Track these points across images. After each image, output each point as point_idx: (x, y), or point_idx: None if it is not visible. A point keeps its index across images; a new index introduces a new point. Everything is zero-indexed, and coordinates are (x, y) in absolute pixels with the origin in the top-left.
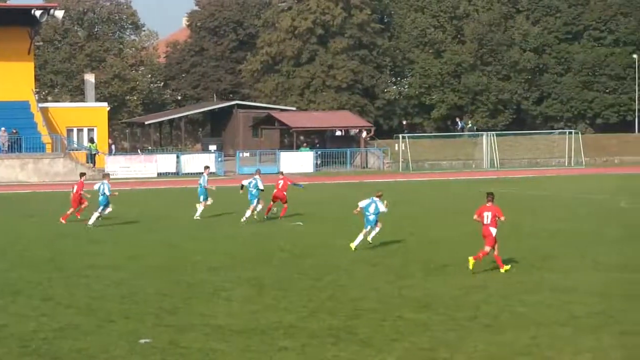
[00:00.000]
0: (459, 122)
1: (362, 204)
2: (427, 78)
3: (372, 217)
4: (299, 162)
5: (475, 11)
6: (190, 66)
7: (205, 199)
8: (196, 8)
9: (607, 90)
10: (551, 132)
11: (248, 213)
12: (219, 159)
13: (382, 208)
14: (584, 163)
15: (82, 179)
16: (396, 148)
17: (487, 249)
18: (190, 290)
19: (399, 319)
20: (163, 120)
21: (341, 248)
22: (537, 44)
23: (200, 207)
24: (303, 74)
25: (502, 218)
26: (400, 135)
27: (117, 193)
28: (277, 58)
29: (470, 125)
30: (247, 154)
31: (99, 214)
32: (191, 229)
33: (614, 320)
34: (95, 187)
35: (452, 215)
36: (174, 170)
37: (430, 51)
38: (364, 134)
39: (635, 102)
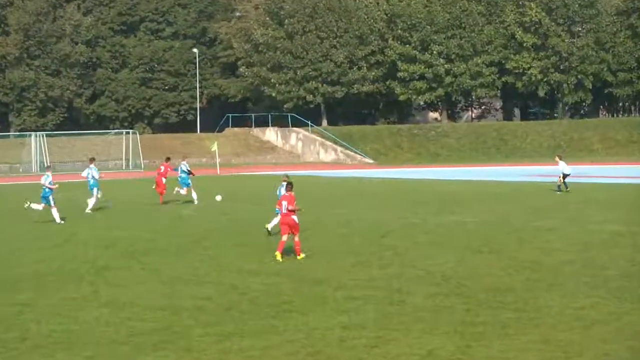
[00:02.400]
0: None
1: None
2: None
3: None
4: None
5: None
6: None
7: (96, 190)
8: None
9: (166, 88)
10: (107, 132)
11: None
12: None
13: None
14: (142, 165)
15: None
16: None
17: (296, 239)
18: None
19: None
20: None
21: None
22: (90, 36)
23: (91, 201)
24: None
25: (290, 207)
26: None
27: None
28: None
29: None
30: None
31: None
32: None
33: (179, 336)
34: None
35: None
36: None
37: None
38: None
39: (196, 100)
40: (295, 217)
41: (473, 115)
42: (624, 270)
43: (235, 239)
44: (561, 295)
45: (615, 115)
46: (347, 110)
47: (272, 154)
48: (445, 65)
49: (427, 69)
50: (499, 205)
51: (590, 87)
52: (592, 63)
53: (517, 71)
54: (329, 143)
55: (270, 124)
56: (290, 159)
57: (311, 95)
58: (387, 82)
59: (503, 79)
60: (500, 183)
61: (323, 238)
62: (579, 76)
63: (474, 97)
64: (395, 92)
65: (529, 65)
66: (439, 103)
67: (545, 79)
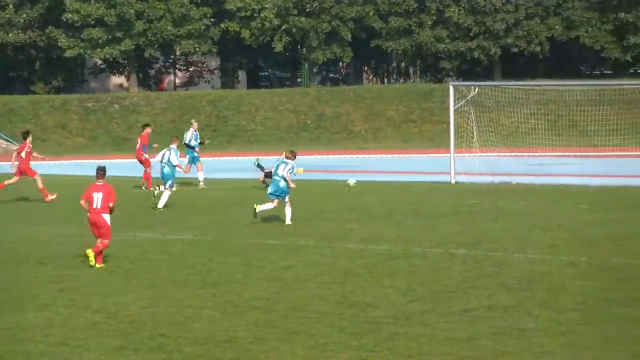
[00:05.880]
0: None
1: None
2: None
3: (282, 184)
4: None
5: None
6: None
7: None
8: None
9: None
10: None
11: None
12: None
13: (285, 171)
14: None
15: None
16: None
17: (106, 242)
18: None
19: None
20: None
21: None
22: None
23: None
24: None
25: (112, 204)
26: None
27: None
28: None
29: None
30: None
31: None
32: None
33: None
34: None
35: None
36: None
37: None
38: None
39: None
40: (106, 217)
41: (177, 80)
42: (398, 310)
43: None
44: (307, 348)
45: (386, 80)
46: None
47: None
48: (137, 5)
49: (107, 10)
50: (213, 214)
51: (350, 39)
52: (352, 3)
53: (242, 14)
54: None
55: None
56: None
57: None
58: (47, 30)
59: (222, 26)
60: (213, 182)
61: None
62: (332, 22)
63: (178, 53)
64: (60, 44)
65: (260, 6)
66: (126, 62)
67: (284, 26)
